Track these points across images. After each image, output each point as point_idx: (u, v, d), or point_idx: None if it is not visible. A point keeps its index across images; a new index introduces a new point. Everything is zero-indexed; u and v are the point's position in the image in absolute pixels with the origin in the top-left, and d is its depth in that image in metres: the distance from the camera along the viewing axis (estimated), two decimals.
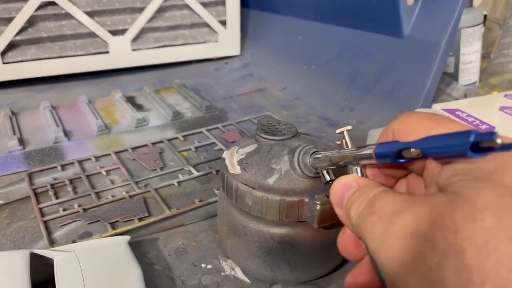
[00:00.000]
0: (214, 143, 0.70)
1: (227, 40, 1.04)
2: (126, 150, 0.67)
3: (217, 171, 0.62)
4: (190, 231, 0.53)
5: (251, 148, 0.46)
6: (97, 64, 0.92)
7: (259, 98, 0.88)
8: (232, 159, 0.45)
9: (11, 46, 0.85)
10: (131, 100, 0.79)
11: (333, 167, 0.37)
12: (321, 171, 0.39)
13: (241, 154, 0.45)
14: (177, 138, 0.71)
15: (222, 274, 0.48)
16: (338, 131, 0.35)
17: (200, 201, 0.56)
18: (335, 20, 0.84)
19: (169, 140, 0.70)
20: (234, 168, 0.44)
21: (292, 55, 0.96)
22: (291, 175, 0.41)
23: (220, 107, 0.83)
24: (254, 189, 0.41)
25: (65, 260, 0.42)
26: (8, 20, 0.83)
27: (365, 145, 0.31)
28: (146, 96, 0.81)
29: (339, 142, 0.35)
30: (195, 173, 0.62)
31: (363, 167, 0.32)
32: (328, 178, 0.38)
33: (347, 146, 0.34)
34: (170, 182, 0.59)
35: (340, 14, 0.83)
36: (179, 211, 0.54)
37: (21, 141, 0.63)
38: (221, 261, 0.49)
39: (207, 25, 1.01)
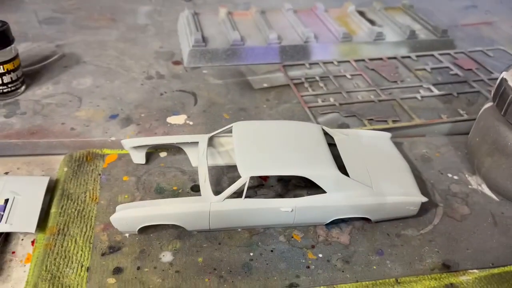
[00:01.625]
0: (448, 67, 0.70)
1: None
2: (363, 60, 0.71)
3: (458, 93, 0.64)
4: (432, 143, 0.57)
5: None
6: None
7: (487, 31, 0.84)
8: None
9: None
10: (362, 14, 0.82)
11: None
12: None
13: None
14: (409, 57, 0.73)
15: (469, 187, 0.51)
16: None
17: (447, 117, 0.58)
18: None
19: (402, 57, 0.73)
20: None
21: None
22: None
23: (449, 36, 0.81)
24: None
25: (344, 141, 0.49)
26: None
27: None
28: (376, 13, 0.83)
29: None
30: (436, 92, 0.64)
31: None
32: None
33: None
34: (413, 95, 0.63)
35: None
36: (428, 122, 0.58)
37: (279, 37, 0.71)
38: (466, 175, 0.52)
39: None
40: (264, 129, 0.46)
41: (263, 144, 0.44)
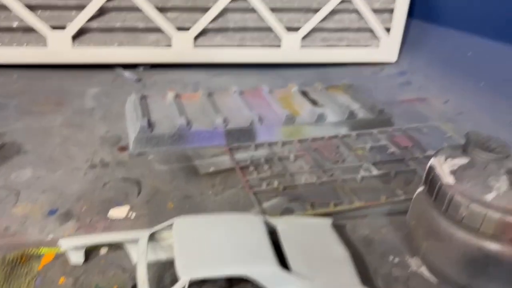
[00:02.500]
0: (386, 145, 0.74)
1: (388, 47, 1.07)
2: (307, 140, 0.74)
3: (395, 173, 0.67)
4: (374, 224, 0.59)
5: (462, 161, 0.49)
6: (269, 57, 1.01)
7: (421, 107, 0.90)
8: (443, 168, 0.50)
9: (202, 32, 0.97)
10: (305, 95, 0.86)
11: None
12: None
13: (452, 165, 0.49)
14: (350, 135, 0.77)
15: (409, 270, 0.52)
16: None
17: (387, 198, 0.61)
18: None
19: (343, 136, 0.76)
20: (447, 178, 0.48)
21: (456, 70, 0.97)
22: (510, 195, 0.44)
23: (386, 114, 0.86)
24: (472, 202, 0.45)
25: (285, 231, 0.50)
26: (206, 10, 0.94)
27: None
28: (318, 93, 0.88)
29: None
30: (375, 172, 0.67)
31: None
32: None
33: None
34: (353, 176, 0.65)
35: None
36: (368, 204, 0.60)
37: (225, 120, 0.73)
38: (406, 257, 0.54)
39: (371, 30, 1.05)
40: (205, 225, 0.47)
41: (204, 243, 0.44)
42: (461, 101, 0.90)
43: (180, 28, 0.96)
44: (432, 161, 0.51)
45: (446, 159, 0.51)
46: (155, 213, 0.56)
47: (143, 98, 0.80)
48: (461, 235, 0.47)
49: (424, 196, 0.52)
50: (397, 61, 1.11)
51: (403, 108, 0.90)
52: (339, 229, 0.56)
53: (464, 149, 0.51)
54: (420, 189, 0.54)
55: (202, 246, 0.44)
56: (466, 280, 0.48)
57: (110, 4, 0.92)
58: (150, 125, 0.71)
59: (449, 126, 0.82)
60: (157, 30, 0.96)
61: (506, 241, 0.45)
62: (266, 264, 0.43)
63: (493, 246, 0.45)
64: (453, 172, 0.48)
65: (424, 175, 0.52)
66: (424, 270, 0.52)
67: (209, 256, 0.43)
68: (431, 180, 0.50)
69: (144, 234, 0.48)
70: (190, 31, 0.96)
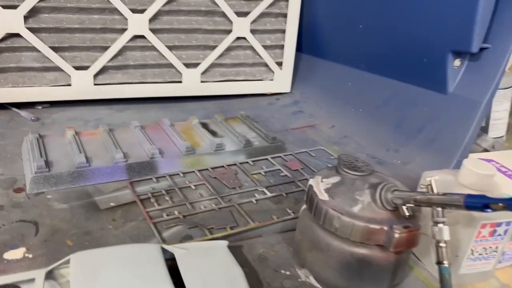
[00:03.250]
0: (279, 169, 0.81)
1: (281, 79, 1.17)
2: (207, 169, 0.79)
3: (286, 193, 0.74)
4: (268, 242, 0.64)
5: (335, 179, 0.57)
6: (171, 91, 1.05)
7: (311, 133, 1.00)
8: (319, 187, 0.57)
9: (102, 70, 0.99)
10: (205, 126, 0.91)
11: (411, 205, 0.49)
12: (401, 206, 0.50)
13: (327, 184, 0.57)
14: (247, 162, 0.83)
15: (299, 280, 0.58)
16: (427, 178, 0.47)
17: (277, 218, 0.67)
18: (385, 72, 0.97)
19: (241, 163, 0.82)
20: (322, 195, 0.55)
21: (340, 98, 1.08)
22: (372, 206, 0.52)
23: (278, 138, 0.95)
24: (342, 214, 0.52)
25: (183, 256, 0.53)
26: (104, 49, 0.97)
27: (452, 193, 0.43)
28: (217, 124, 0.93)
29: (424, 187, 0.47)
30: (268, 194, 0.73)
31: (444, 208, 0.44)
32: (407, 214, 0.49)
33: (432, 191, 0.46)
34: (249, 200, 0.71)
35: (391, 67, 0.96)
36: (261, 224, 0.65)
37: (125, 155, 0.75)
38: (296, 269, 0.60)
39: (265, 64, 1.14)
40: (102, 258, 0.49)
41: (99, 276, 0.46)
42: (345, 126, 1.02)
43: (78, 68, 0.97)
44: (310, 181, 0.59)
45: (322, 179, 0.58)
46: (53, 252, 0.56)
47: (40, 138, 0.79)
48: (336, 244, 0.54)
49: (306, 213, 0.59)
50: (291, 92, 1.21)
51: (295, 135, 0.98)
52: (237, 250, 0.61)
53: (336, 170, 0.59)
54: (303, 206, 0.60)
55: (97, 279, 0.46)
56: (345, 283, 0.55)
57: (3, 44, 0.91)
58: (48, 164, 0.71)
59: (334, 149, 0.92)
60: (55, 69, 0.96)
61: (372, 246, 0.52)
62: None
63: (362, 251, 0.53)
64: (327, 190, 0.56)
65: (305, 195, 0.59)
66: (312, 280, 0.59)
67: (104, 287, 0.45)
68: (310, 198, 0.57)
69: (40, 273, 0.48)
70: (89, 70, 0.97)
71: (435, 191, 0.46)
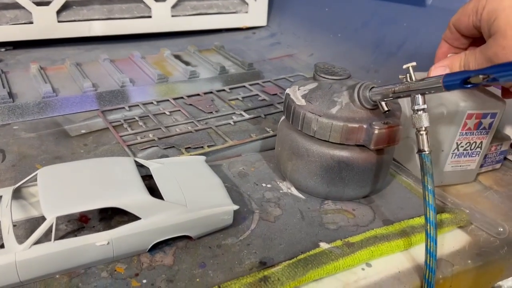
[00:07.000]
0: (257, 94, 0.79)
1: (256, 12, 1.12)
2: (182, 97, 0.76)
3: (265, 115, 0.71)
4: (248, 160, 0.63)
5: (312, 85, 0.55)
6: (140, 28, 1.00)
7: (289, 62, 0.97)
8: (296, 94, 0.55)
9: (65, 6, 0.93)
10: (178, 58, 0.87)
11: (390, 98, 0.47)
12: (379, 102, 0.48)
13: (304, 90, 0.55)
14: (224, 90, 0.80)
15: (281, 191, 0.57)
16: (404, 66, 0.45)
17: (256, 135, 0.65)
18: None
19: (217, 91, 0.79)
20: (299, 100, 0.53)
21: (318, 26, 1.05)
22: (350, 107, 0.51)
23: (256, 68, 0.92)
24: (320, 116, 0.50)
25: (159, 169, 0.51)
26: None
27: (429, 77, 0.41)
28: (191, 55, 0.90)
29: (402, 77, 0.45)
30: (247, 116, 0.71)
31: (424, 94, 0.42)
32: (386, 108, 0.48)
33: (411, 79, 0.44)
34: (226, 122, 0.69)
35: None
36: (239, 142, 0.64)
37: (94, 84, 0.71)
38: (278, 182, 0.59)
39: None
40: (72, 170, 0.46)
41: (70, 184, 0.44)
42: (324, 52, 0.99)
43: (39, 3, 0.91)
44: (287, 90, 0.56)
45: (299, 87, 0.56)
46: (21, 175, 0.54)
47: (3, 73, 0.75)
48: (315, 148, 0.52)
49: (285, 123, 0.57)
50: (267, 25, 1.17)
51: (273, 64, 0.95)
52: (217, 168, 0.59)
53: (313, 77, 0.56)
54: (282, 118, 0.58)
55: (68, 187, 0.43)
56: (327, 189, 0.54)
57: None
58: (12, 95, 0.67)
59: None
60: (14, 5, 0.90)
61: (352, 147, 0.51)
62: (135, 194, 0.44)
63: (342, 153, 0.51)
64: (304, 96, 0.54)
65: (283, 105, 0.57)
66: (293, 190, 0.58)
67: (75, 194, 0.43)
68: (287, 106, 0.55)
69: (8, 190, 0.46)
70: (51, 5, 0.91)
71: (413, 78, 0.44)
